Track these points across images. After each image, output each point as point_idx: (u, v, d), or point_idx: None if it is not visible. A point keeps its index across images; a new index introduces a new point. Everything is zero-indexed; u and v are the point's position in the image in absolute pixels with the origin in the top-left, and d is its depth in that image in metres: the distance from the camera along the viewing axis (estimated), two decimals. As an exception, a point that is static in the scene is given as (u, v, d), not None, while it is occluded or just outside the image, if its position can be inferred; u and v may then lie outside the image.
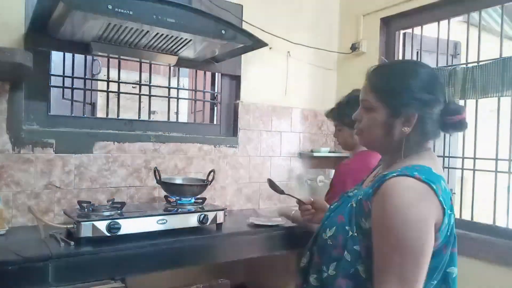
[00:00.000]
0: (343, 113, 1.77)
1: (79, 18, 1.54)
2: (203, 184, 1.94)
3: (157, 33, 1.72)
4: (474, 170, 2.08)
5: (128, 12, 1.52)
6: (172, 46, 1.91)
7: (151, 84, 2.32)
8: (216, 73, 2.48)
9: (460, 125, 0.99)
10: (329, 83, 2.80)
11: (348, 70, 2.75)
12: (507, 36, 3.58)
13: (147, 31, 1.69)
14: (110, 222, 1.52)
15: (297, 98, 2.67)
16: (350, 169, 1.66)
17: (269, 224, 1.90)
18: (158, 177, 1.91)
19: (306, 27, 2.71)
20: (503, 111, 1.98)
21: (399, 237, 0.84)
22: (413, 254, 0.83)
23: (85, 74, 2.45)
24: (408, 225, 0.83)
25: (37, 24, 1.76)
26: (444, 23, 2.23)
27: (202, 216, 1.75)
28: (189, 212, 1.76)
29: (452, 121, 0.98)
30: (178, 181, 2.01)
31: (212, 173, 1.98)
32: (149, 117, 2.27)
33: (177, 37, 1.78)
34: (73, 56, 2.07)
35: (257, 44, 1.93)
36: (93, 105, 3.53)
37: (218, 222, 1.80)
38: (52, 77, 1.97)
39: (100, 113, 3.65)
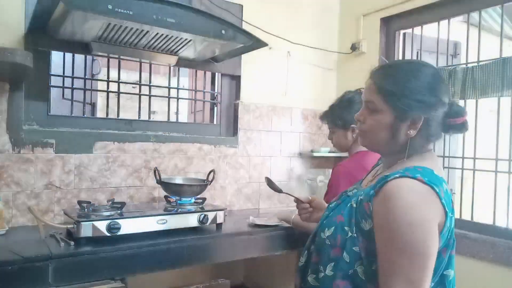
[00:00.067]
0: (335, 115, 1.77)
1: (79, 18, 1.54)
2: (203, 184, 1.94)
3: (157, 33, 1.72)
4: (474, 170, 2.08)
5: (128, 12, 1.52)
6: (172, 46, 1.91)
7: (151, 84, 2.32)
8: (216, 73, 2.48)
9: (462, 127, 0.98)
10: (329, 83, 2.80)
11: (348, 70, 2.75)
12: (507, 36, 3.58)
13: (147, 31, 1.69)
14: (110, 222, 1.52)
15: (297, 98, 2.67)
16: (346, 170, 1.66)
17: (269, 224, 1.90)
18: (158, 177, 1.91)
19: (306, 27, 2.71)
20: (503, 111, 1.97)
21: (405, 240, 0.83)
22: (419, 257, 0.83)
23: (85, 74, 2.46)
24: (413, 228, 0.83)
25: (37, 24, 1.76)
26: (444, 23, 2.23)
27: (202, 216, 1.75)
28: (189, 212, 1.76)
29: (455, 123, 0.97)
30: (178, 181, 2.01)
31: (212, 173, 1.98)
32: (149, 117, 2.27)
33: (177, 37, 1.78)
34: (73, 56, 2.07)
35: (257, 44, 1.93)
36: (93, 105, 3.54)
37: (218, 222, 1.80)
38: (52, 77, 1.97)
39: (100, 113, 3.66)
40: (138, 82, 2.25)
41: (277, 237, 1.87)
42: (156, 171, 1.91)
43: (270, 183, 1.44)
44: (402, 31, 2.51)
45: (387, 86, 0.97)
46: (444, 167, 2.24)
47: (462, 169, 2.15)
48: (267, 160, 2.56)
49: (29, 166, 1.81)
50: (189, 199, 1.88)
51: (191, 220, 1.74)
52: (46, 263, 1.35)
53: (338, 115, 1.76)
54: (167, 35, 1.75)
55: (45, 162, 1.84)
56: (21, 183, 1.79)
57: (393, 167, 0.99)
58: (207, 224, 1.76)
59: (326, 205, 1.25)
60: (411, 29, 2.45)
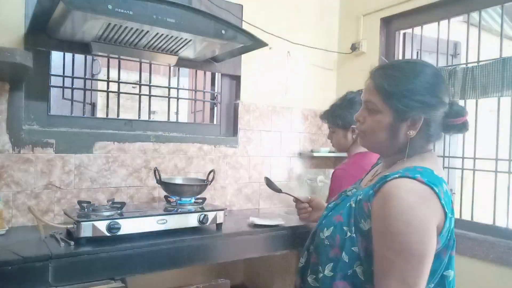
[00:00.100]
0: (336, 115, 1.78)
1: (79, 18, 1.54)
2: (203, 184, 1.94)
3: (157, 33, 1.72)
4: (474, 170, 2.08)
5: (128, 12, 1.52)
6: (172, 46, 1.91)
7: (151, 84, 2.32)
8: (216, 73, 2.48)
9: (463, 127, 0.98)
10: (329, 83, 2.80)
11: (348, 70, 2.75)
12: (507, 36, 3.58)
13: (147, 31, 1.69)
14: (110, 222, 1.52)
15: (297, 98, 2.67)
16: (346, 173, 1.65)
17: (269, 224, 1.90)
18: (158, 177, 1.91)
19: (306, 27, 2.71)
20: (503, 111, 1.97)
21: (402, 241, 0.83)
22: (416, 258, 0.82)
23: (85, 74, 2.46)
24: (411, 228, 0.82)
25: (37, 24, 1.76)
26: (444, 23, 2.23)
27: (202, 216, 1.75)
28: (189, 212, 1.76)
29: (455, 123, 0.97)
30: (178, 181, 2.01)
31: (212, 173, 1.98)
32: (149, 117, 2.27)
33: (177, 37, 1.78)
34: (73, 56, 2.07)
35: (257, 44, 1.93)
36: (93, 105, 3.54)
37: (218, 222, 1.80)
38: (52, 77, 1.97)
39: (100, 113, 3.66)
40: (138, 82, 2.25)
41: (277, 237, 1.87)
42: (156, 171, 1.91)
43: (269, 183, 1.44)
44: (402, 31, 2.51)
45: (386, 86, 0.96)
46: (444, 167, 2.25)
47: (462, 169, 2.15)
48: (267, 160, 2.55)
49: (29, 166, 1.81)
50: (189, 199, 1.88)
51: (191, 220, 1.74)
52: (46, 263, 1.35)
53: (339, 115, 1.76)
54: (167, 35, 1.75)
55: (45, 162, 1.84)
56: (21, 183, 1.79)
57: (393, 167, 0.98)
58: (207, 224, 1.76)
59: (326, 204, 1.25)
60: (411, 29, 2.45)
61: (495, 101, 2.01)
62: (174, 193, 1.89)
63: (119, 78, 2.19)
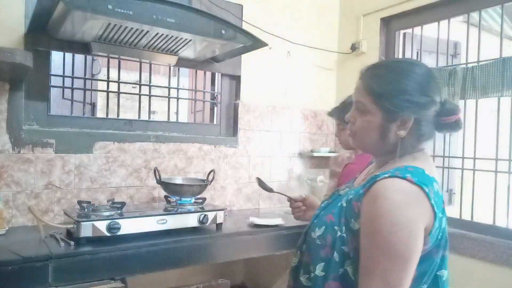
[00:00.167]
0: (346, 112, 1.77)
1: (79, 18, 1.54)
2: (203, 184, 1.94)
3: (157, 33, 1.72)
4: (474, 170, 2.08)
5: (128, 12, 1.52)
6: (172, 46, 1.91)
7: (151, 84, 2.32)
8: (216, 73, 2.48)
9: (456, 125, 0.97)
10: (329, 83, 2.80)
11: (348, 70, 2.75)
12: (507, 36, 3.58)
13: (147, 31, 1.69)
14: (110, 222, 1.52)
15: (297, 98, 2.67)
16: (359, 168, 1.66)
17: (269, 224, 1.90)
18: (158, 177, 1.91)
19: (306, 27, 2.71)
20: (503, 111, 1.97)
21: (387, 240, 0.82)
22: (400, 258, 0.82)
23: (85, 74, 2.46)
24: (397, 228, 0.82)
25: (37, 24, 1.76)
26: (444, 23, 2.23)
27: (202, 216, 1.75)
28: (189, 212, 1.76)
29: (448, 122, 0.96)
30: (178, 181, 2.01)
31: (212, 173, 1.98)
32: (149, 117, 2.27)
33: (177, 37, 1.78)
34: (73, 56, 2.07)
35: (257, 44, 1.93)
36: (93, 105, 3.54)
37: (218, 222, 1.80)
38: (52, 77, 1.97)
39: (100, 113, 3.66)
40: (138, 82, 2.25)
41: (277, 237, 1.87)
42: (156, 171, 1.91)
43: (261, 183, 1.43)
44: (402, 31, 2.50)
45: (375, 86, 0.96)
46: (444, 167, 2.25)
47: (462, 169, 2.15)
48: (267, 160, 2.56)
49: (29, 166, 1.81)
50: (189, 199, 1.88)
51: (191, 220, 1.74)
52: (46, 263, 1.35)
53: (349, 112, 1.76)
54: (167, 35, 1.75)
55: (45, 162, 1.84)
56: (21, 183, 1.79)
57: (384, 166, 0.98)
58: (207, 224, 1.76)
59: (319, 203, 1.24)
60: (411, 29, 2.44)
61: (496, 101, 2.00)
62: (174, 193, 1.89)
63: (119, 78, 2.19)
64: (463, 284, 1.95)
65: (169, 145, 2.18)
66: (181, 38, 1.79)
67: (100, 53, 1.91)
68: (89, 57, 2.62)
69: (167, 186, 1.90)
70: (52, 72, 1.98)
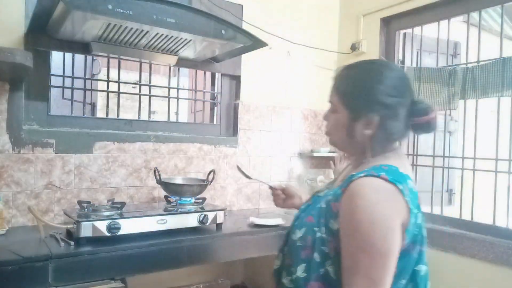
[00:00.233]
0: None
1: (79, 18, 1.54)
2: (203, 184, 1.94)
3: (157, 33, 1.72)
4: (474, 170, 2.08)
5: (128, 12, 1.52)
6: (172, 46, 1.91)
7: (151, 84, 2.32)
8: (216, 73, 2.48)
9: (427, 126, 0.98)
10: (329, 83, 2.78)
11: (348, 70, 2.74)
12: (507, 36, 3.58)
13: (147, 31, 1.69)
14: (110, 222, 1.52)
15: (297, 98, 2.67)
16: None
17: (269, 224, 1.90)
18: (158, 177, 1.91)
19: (306, 27, 2.71)
20: (503, 111, 1.97)
21: (366, 238, 0.84)
22: (380, 254, 0.83)
23: (85, 74, 2.46)
24: (374, 225, 0.84)
25: (37, 24, 1.76)
26: (444, 23, 2.23)
27: (202, 216, 1.75)
28: (189, 212, 1.76)
29: (419, 122, 0.97)
30: (178, 181, 2.01)
31: (212, 173, 1.98)
32: (149, 117, 2.27)
33: (177, 37, 1.78)
34: (73, 56, 2.07)
35: (257, 44, 1.93)
36: (93, 105, 3.54)
37: (218, 222, 1.80)
38: (52, 77, 1.97)
39: (100, 113, 3.66)
40: (138, 82, 2.25)
41: (277, 237, 1.87)
42: (156, 171, 1.91)
43: (240, 170, 1.55)
44: (402, 31, 2.50)
45: (341, 86, 1.01)
46: (444, 167, 2.25)
47: (462, 169, 2.15)
48: (267, 160, 2.56)
49: (29, 166, 1.81)
50: (189, 199, 1.88)
51: (191, 220, 1.74)
52: (46, 263, 1.35)
53: None
54: (167, 35, 1.75)
55: (45, 162, 1.84)
56: (21, 183, 1.79)
57: (360, 166, 1.00)
58: (207, 224, 1.76)
59: (299, 192, 1.37)
60: (411, 29, 2.44)
61: (495, 101, 2.00)
62: (174, 193, 1.89)
63: (119, 78, 2.19)
64: (463, 284, 1.96)
65: (169, 145, 2.18)
66: (181, 38, 1.79)
67: (100, 53, 1.91)
68: (89, 57, 2.62)
69: (167, 186, 1.90)
70: (52, 72, 1.98)
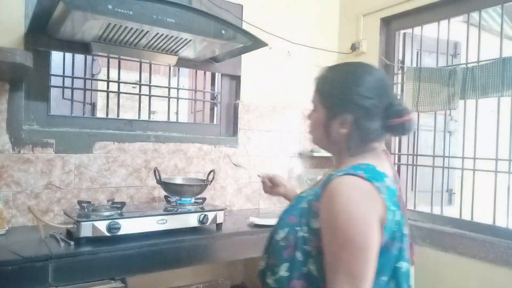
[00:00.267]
0: None
1: (79, 18, 1.54)
2: (203, 184, 1.94)
3: (157, 33, 1.72)
4: (474, 170, 2.08)
5: (128, 12, 1.52)
6: (172, 46, 1.91)
7: (151, 84, 2.32)
8: (216, 73, 2.48)
9: (402, 128, 0.99)
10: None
11: (348, 70, 2.75)
12: (507, 36, 3.58)
13: (147, 31, 1.69)
14: (110, 222, 1.52)
15: (297, 98, 2.67)
16: None
17: (269, 224, 1.89)
18: (158, 177, 1.91)
19: (306, 27, 2.71)
20: (503, 111, 1.97)
21: (345, 234, 0.86)
22: (360, 250, 0.85)
23: (85, 74, 2.46)
24: (353, 221, 0.86)
25: (37, 24, 1.76)
26: (444, 23, 2.23)
27: (202, 216, 1.75)
28: (189, 212, 1.76)
29: (394, 124, 0.99)
30: (178, 181, 2.01)
31: (212, 173, 1.98)
32: (149, 117, 2.27)
33: (177, 37, 1.78)
34: (73, 56, 2.07)
35: (257, 44, 1.93)
36: (93, 105, 3.54)
37: (218, 222, 1.80)
38: (52, 77, 1.97)
39: (100, 113, 3.66)
40: (138, 82, 2.25)
41: (277, 237, 1.87)
42: (156, 171, 1.91)
43: (229, 158, 1.65)
44: (402, 31, 2.50)
45: (321, 86, 1.05)
46: (444, 167, 2.25)
47: (462, 169, 2.15)
48: (267, 160, 2.55)
49: (29, 166, 1.81)
50: (189, 199, 1.88)
51: (191, 220, 1.74)
52: (46, 263, 1.35)
53: None
54: (167, 35, 1.75)
55: (45, 162, 1.84)
56: (21, 183, 1.79)
57: (339, 165, 1.03)
58: (207, 224, 1.76)
59: (286, 182, 1.46)
60: (411, 29, 2.44)
61: (495, 101, 2.00)
62: (174, 193, 1.89)
63: (119, 78, 2.19)
64: (463, 284, 1.96)
65: (169, 145, 2.18)
66: (181, 38, 1.79)
67: (100, 53, 1.91)
68: (89, 57, 2.62)
69: (167, 186, 1.90)
70: (52, 72, 1.98)
